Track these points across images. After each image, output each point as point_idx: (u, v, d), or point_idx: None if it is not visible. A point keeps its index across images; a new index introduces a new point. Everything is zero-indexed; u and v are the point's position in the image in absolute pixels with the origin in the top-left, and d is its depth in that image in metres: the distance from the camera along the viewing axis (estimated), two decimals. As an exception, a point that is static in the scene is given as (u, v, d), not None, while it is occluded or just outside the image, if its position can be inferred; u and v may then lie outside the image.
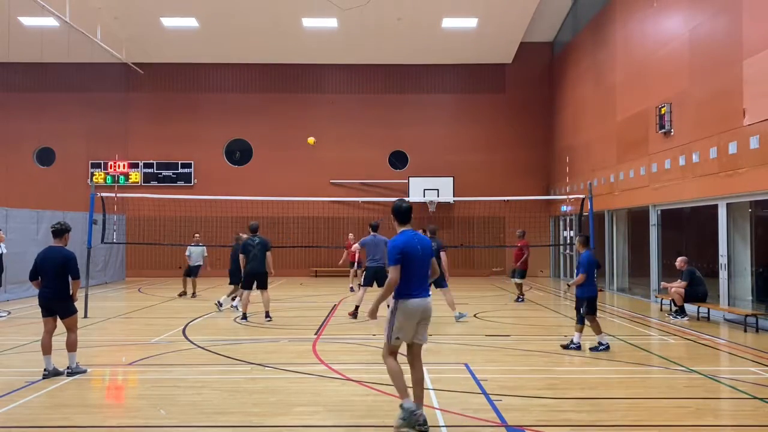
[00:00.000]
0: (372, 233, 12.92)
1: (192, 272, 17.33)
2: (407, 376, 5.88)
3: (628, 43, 17.95)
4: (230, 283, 14.72)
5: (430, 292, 6.15)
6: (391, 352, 5.90)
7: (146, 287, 20.68)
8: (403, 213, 6.07)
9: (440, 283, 12.26)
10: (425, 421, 5.59)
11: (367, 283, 12.79)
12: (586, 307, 9.53)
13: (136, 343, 10.26)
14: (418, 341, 5.93)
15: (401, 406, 5.67)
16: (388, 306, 6.20)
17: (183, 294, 17.34)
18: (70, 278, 7.94)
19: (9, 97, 26.05)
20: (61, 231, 8.19)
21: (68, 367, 7.82)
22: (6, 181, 25.60)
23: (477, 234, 24.29)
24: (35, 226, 18.17)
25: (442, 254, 12.47)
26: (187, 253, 17.49)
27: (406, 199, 24.18)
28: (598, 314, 9.81)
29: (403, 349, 6.00)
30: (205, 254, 17.73)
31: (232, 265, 14.48)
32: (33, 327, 12.05)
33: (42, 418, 6.20)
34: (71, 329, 8.01)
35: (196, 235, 18.00)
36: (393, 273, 5.76)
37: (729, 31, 12.77)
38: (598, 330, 9.57)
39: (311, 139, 16.96)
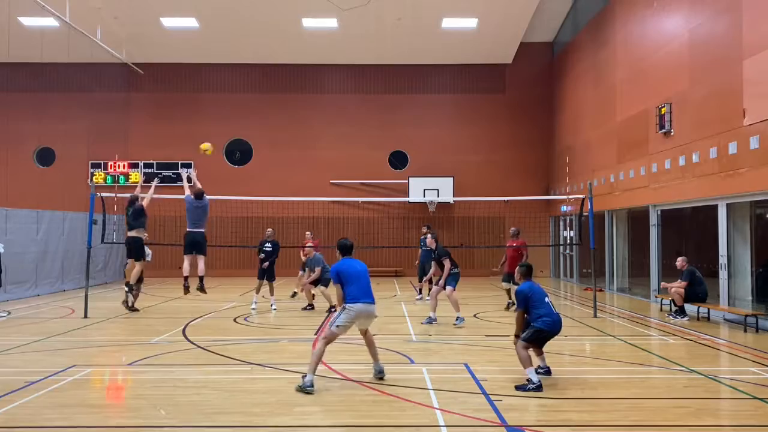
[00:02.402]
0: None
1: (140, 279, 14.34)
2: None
3: (628, 43, 17.95)
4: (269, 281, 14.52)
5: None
6: (329, 339, 7.52)
7: (146, 287, 20.63)
8: (347, 248, 7.95)
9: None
10: (381, 372, 7.64)
11: (187, 251, 13.00)
12: (528, 334, 7.50)
13: (136, 343, 10.26)
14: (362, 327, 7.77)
15: (304, 377, 7.21)
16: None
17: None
18: None
19: (9, 97, 26.03)
20: None
21: None
22: (6, 181, 25.60)
23: (477, 234, 24.26)
24: (35, 226, 18.17)
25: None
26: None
27: (408, 199, 24.22)
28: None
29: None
30: (149, 259, 14.89)
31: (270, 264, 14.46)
32: (33, 327, 12.06)
33: (42, 418, 6.19)
34: None
35: (145, 234, 14.83)
36: (338, 290, 7.60)
37: (729, 31, 12.77)
38: (525, 361, 7.36)
39: (207, 148, 13.99)
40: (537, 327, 7.50)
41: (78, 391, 7.19)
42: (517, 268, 8.08)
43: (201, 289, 12.90)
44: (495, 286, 20.97)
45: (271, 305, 14.53)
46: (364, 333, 7.83)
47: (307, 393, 6.97)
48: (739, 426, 6.19)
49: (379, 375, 7.64)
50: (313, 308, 14.33)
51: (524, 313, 7.63)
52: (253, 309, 14.35)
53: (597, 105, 20.41)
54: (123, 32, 23.09)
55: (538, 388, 7.15)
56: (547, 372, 7.87)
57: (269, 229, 15.40)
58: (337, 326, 7.47)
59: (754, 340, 10.66)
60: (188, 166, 25.91)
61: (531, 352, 7.59)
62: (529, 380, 7.21)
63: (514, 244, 14.41)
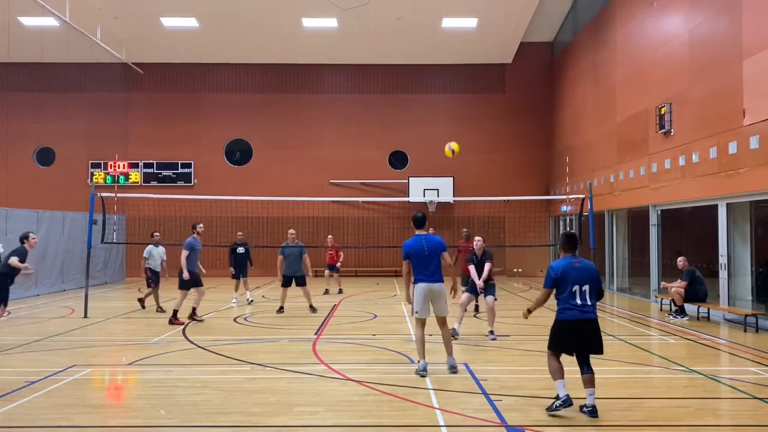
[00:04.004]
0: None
1: (155, 281, 14.44)
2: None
3: (628, 43, 17.95)
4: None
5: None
6: (418, 324, 8.13)
7: (146, 287, 20.64)
8: (417, 220, 8.25)
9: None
10: (454, 366, 8.01)
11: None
12: (550, 336, 6.44)
13: (136, 343, 10.26)
14: (438, 314, 8.13)
15: (418, 362, 7.98)
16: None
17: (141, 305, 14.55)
18: None
19: (9, 97, 26.04)
20: None
21: None
22: (6, 181, 25.60)
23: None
24: (35, 226, 18.14)
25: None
26: (145, 255, 14.47)
27: (408, 199, 24.21)
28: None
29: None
30: (164, 257, 14.76)
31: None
32: (33, 327, 12.06)
33: (42, 418, 6.19)
34: None
35: (156, 234, 15.08)
36: (404, 266, 8.10)
37: (729, 31, 12.77)
38: (554, 371, 6.27)
39: (453, 148, 13.65)
40: (556, 320, 6.37)
41: (78, 391, 7.19)
42: (560, 236, 6.69)
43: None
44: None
45: (249, 299, 16.00)
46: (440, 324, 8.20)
47: (422, 376, 7.74)
48: (739, 426, 6.19)
49: (453, 370, 7.98)
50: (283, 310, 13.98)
51: (549, 292, 6.39)
52: (234, 303, 15.69)
53: (597, 105, 20.41)
54: (123, 32, 23.11)
55: (565, 403, 6.05)
56: (567, 402, 6.10)
57: (240, 233, 16.64)
58: (416, 312, 8.08)
59: (754, 340, 10.65)
60: (188, 165, 25.97)
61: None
62: (556, 396, 6.17)
63: (462, 246, 13.84)
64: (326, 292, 18.41)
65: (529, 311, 6.72)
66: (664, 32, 15.65)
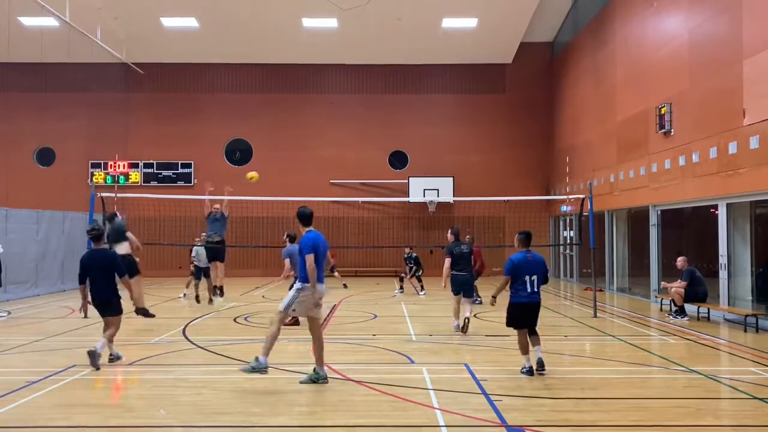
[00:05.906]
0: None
1: (205, 274, 15.76)
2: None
3: (628, 43, 17.96)
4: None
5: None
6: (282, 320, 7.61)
7: (146, 287, 20.60)
8: (308, 217, 7.74)
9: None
10: (326, 377, 7.46)
11: None
12: (508, 319, 8.14)
13: (136, 343, 10.26)
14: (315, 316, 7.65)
15: (257, 358, 7.29)
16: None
17: (197, 300, 15.73)
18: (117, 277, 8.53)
19: (9, 97, 26.03)
20: (100, 235, 8.62)
21: (110, 354, 8.61)
22: (6, 181, 25.60)
23: (477, 234, 24.21)
24: (35, 226, 18.16)
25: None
26: (193, 254, 16.28)
27: (408, 199, 24.21)
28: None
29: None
30: None
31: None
32: (33, 327, 12.06)
33: (42, 418, 6.20)
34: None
35: (203, 234, 16.13)
36: (309, 260, 7.32)
37: (729, 31, 12.77)
38: (520, 347, 8.03)
39: (252, 176, 15.05)
40: (510, 302, 8.06)
41: (78, 391, 7.20)
42: (516, 235, 8.36)
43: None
44: (495, 286, 20.94)
45: (183, 293, 16.95)
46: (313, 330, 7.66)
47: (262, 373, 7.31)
48: (739, 426, 6.19)
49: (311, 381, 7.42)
50: (198, 301, 15.53)
51: (509, 279, 8.02)
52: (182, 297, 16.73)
53: (597, 105, 20.41)
54: (123, 32, 23.09)
55: (529, 372, 7.80)
56: (530, 372, 7.82)
57: (203, 233, 17.07)
58: (293, 310, 7.62)
59: (754, 340, 10.66)
60: (188, 165, 25.98)
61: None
62: (523, 366, 7.91)
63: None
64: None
65: (494, 297, 8.37)
66: (664, 32, 15.65)
